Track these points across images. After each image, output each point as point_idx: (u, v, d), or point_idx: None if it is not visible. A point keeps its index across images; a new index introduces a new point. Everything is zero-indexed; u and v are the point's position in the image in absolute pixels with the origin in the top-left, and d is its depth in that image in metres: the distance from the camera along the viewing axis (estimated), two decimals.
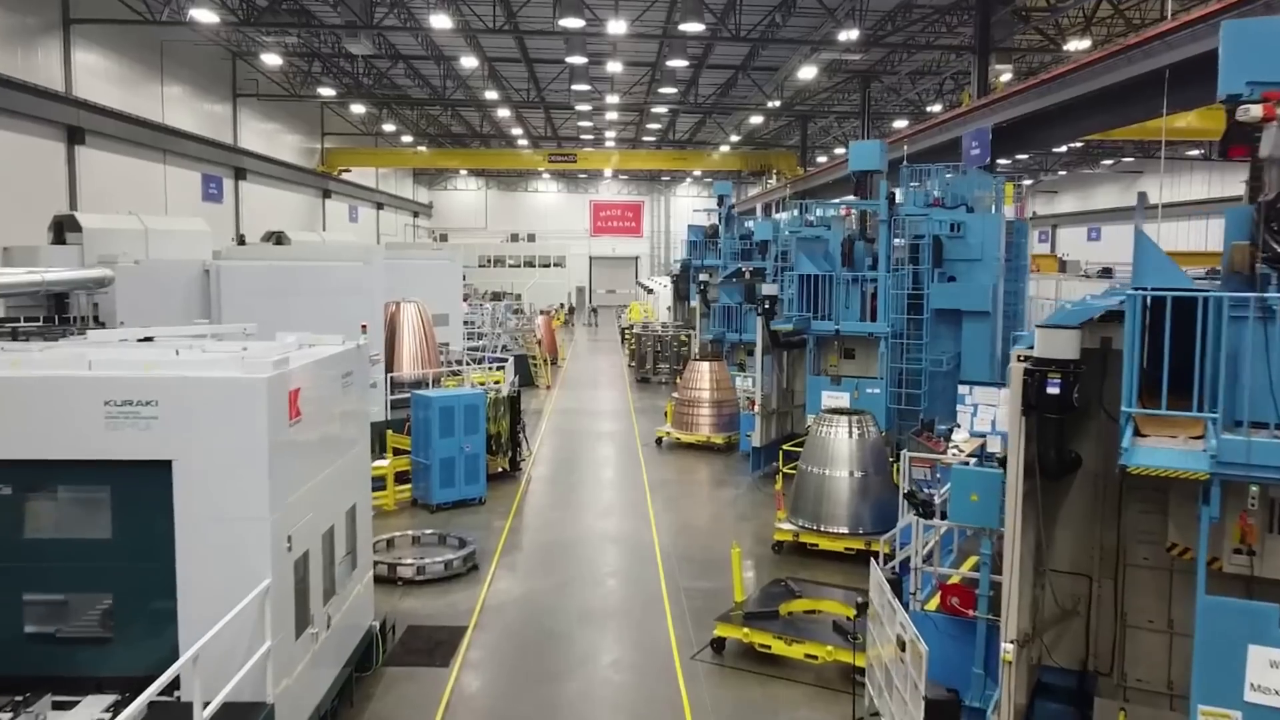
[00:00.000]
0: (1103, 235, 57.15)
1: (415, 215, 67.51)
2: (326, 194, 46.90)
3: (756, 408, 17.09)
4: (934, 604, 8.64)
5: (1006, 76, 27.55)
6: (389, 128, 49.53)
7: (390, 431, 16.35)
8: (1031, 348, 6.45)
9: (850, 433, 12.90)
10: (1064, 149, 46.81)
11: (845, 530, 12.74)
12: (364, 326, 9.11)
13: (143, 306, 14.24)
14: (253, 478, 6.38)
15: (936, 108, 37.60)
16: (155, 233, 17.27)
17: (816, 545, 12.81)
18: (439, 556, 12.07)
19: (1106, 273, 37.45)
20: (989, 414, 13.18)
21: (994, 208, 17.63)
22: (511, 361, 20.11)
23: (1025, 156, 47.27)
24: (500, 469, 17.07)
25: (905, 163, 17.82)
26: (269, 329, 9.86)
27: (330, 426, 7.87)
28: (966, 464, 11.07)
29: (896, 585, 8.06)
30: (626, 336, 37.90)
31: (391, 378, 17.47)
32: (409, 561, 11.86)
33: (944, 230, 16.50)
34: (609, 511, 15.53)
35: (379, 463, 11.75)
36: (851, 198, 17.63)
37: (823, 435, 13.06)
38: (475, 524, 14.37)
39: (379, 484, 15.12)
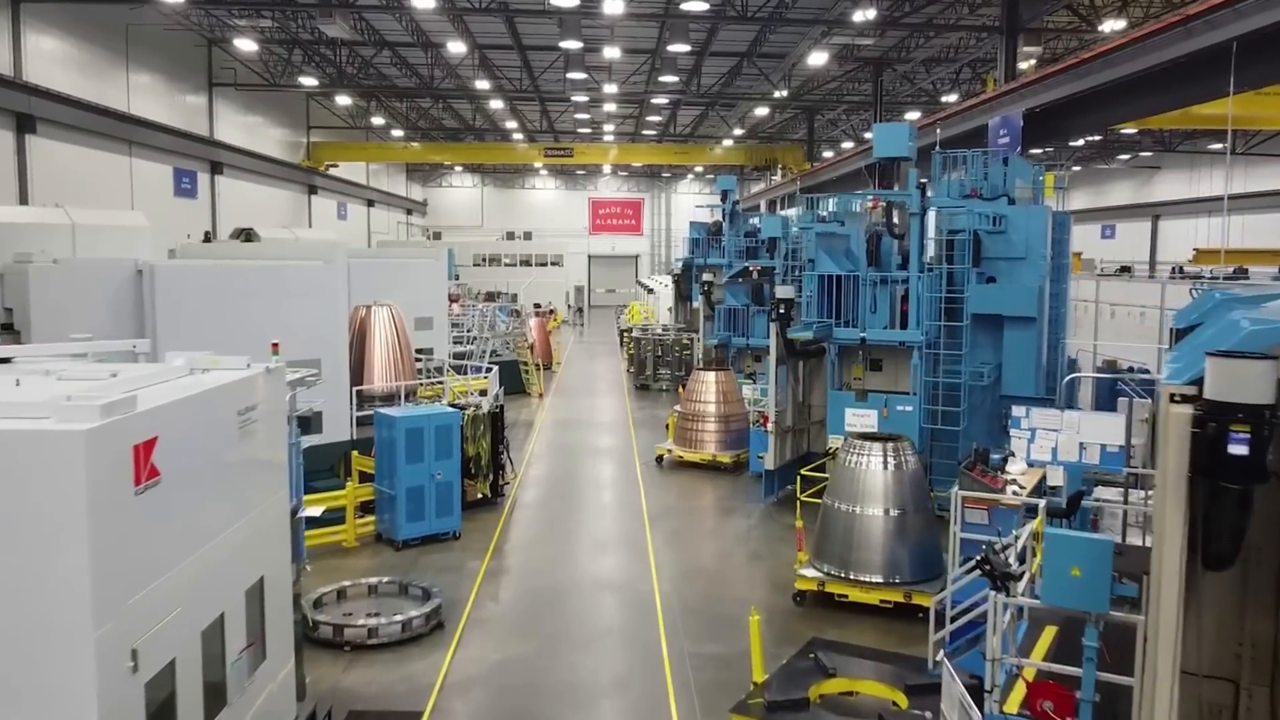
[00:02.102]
0: (1116, 232, 55.08)
1: (409, 213, 65.50)
2: (312, 190, 44.87)
3: (769, 425, 15.09)
4: (1015, 703, 6.67)
5: (1032, 61, 25.52)
6: (378, 121, 47.51)
7: (356, 453, 14.49)
8: (1195, 382, 4.48)
9: (885, 463, 10.90)
10: (1081, 142, 44.78)
11: (880, 579, 10.74)
12: (274, 345, 7.11)
13: (62, 313, 12.26)
14: (68, 573, 4.40)
15: (952, 97, 35.61)
16: (84, 228, 15.16)
17: (846, 596, 10.83)
18: (396, 614, 10.07)
19: (1125, 270, 35.81)
20: (1048, 440, 11.20)
21: (1035, 200, 15.71)
22: (495, 373, 18.04)
23: (1038, 150, 45.18)
24: (480, 495, 15.06)
25: (938, 148, 15.82)
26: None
27: (216, 483, 5.87)
28: (1034, 507, 9.20)
29: (978, 693, 6.10)
30: (625, 340, 35.90)
31: (359, 391, 15.60)
32: (359, 622, 9.87)
33: (984, 224, 14.55)
34: (602, 548, 13.53)
35: (310, 511, 9.72)
36: (868, 190, 15.73)
37: (851, 466, 11.06)
38: (446, 564, 12.43)
39: (339, 516, 13.25)
